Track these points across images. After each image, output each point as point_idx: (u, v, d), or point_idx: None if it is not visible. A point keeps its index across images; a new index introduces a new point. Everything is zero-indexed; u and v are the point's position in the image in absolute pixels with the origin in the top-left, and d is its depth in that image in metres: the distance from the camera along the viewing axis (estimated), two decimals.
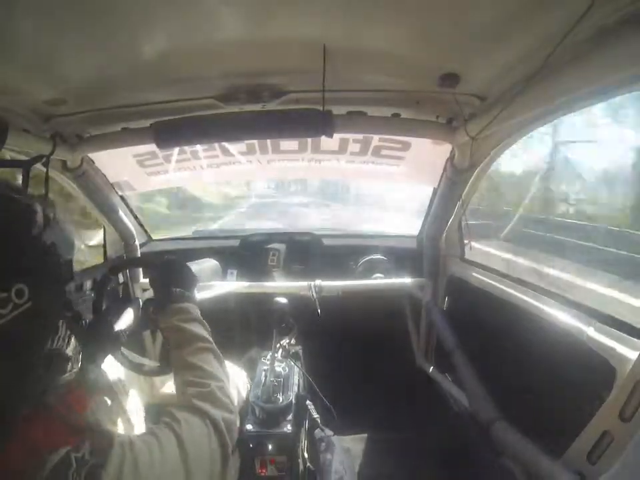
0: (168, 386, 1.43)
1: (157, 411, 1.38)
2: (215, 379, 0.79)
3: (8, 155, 1.28)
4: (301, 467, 1.36)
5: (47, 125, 1.25)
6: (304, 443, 1.42)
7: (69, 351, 0.68)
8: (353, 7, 0.80)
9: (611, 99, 0.93)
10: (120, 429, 1.10)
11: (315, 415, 1.55)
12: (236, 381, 1.43)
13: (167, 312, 0.93)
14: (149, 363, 1.19)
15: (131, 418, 1.18)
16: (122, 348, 1.12)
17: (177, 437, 0.66)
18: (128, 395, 1.22)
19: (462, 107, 1.24)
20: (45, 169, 1.27)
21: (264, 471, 1.28)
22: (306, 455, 1.40)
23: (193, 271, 1.19)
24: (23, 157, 1.24)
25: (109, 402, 1.15)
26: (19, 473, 0.51)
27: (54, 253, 0.62)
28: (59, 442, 0.55)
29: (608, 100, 0.95)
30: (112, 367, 1.23)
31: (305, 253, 2.21)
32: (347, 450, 1.68)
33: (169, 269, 1.04)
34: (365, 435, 1.85)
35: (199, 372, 0.80)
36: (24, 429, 0.55)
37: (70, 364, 0.69)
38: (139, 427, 1.20)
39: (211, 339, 0.90)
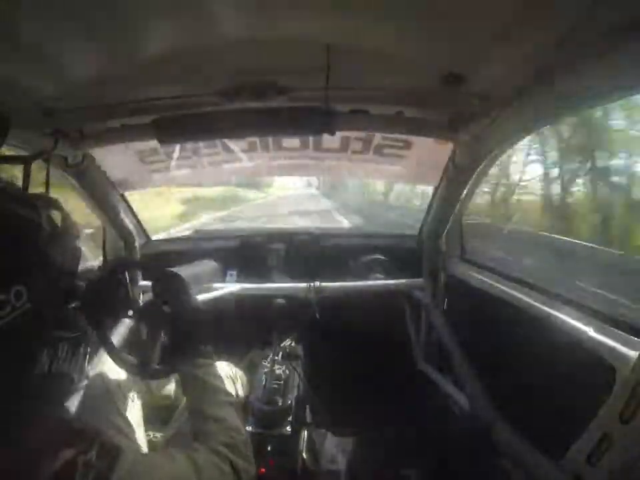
0: (166, 388, 1.43)
1: (156, 413, 1.38)
2: (238, 432, 0.82)
3: (8, 151, 1.27)
4: (301, 467, 1.36)
5: (49, 121, 1.25)
6: (304, 444, 1.42)
7: (68, 351, 0.68)
8: (358, 5, 0.80)
9: (614, 101, 0.93)
10: (120, 431, 1.10)
11: (309, 420, 1.56)
12: (236, 382, 1.43)
13: (192, 365, 0.96)
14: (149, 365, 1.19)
15: (131, 420, 1.18)
16: (122, 352, 1.13)
17: (195, 465, 0.67)
18: (127, 398, 1.22)
19: (465, 106, 1.24)
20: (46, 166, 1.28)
21: (264, 471, 1.28)
22: (305, 456, 1.40)
23: (193, 273, 1.19)
24: (24, 153, 1.24)
25: (108, 404, 1.15)
26: (26, 476, 0.51)
27: (54, 255, 0.62)
28: (65, 445, 0.55)
29: (611, 102, 0.95)
30: (111, 371, 1.23)
31: (305, 252, 2.21)
32: (346, 450, 1.68)
33: (200, 319, 1.05)
34: (365, 436, 1.85)
35: (222, 424, 0.82)
36: (29, 432, 0.55)
37: (68, 364, 0.69)
38: (139, 429, 1.20)
39: (228, 392, 0.93)
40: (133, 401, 1.24)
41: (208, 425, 0.82)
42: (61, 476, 0.51)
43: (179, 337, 1.03)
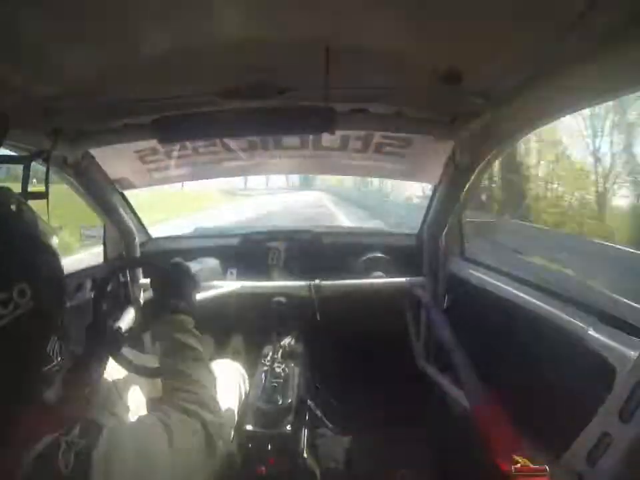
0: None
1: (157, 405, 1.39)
2: (203, 387, 0.82)
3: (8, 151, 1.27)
4: (301, 466, 1.36)
5: (48, 120, 1.24)
6: (304, 443, 1.42)
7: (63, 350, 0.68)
8: (357, 4, 0.80)
9: (613, 99, 0.93)
10: (119, 421, 1.11)
11: (318, 414, 1.55)
12: (236, 381, 1.44)
13: (162, 321, 0.96)
14: (150, 364, 1.20)
15: (131, 411, 1.19)
16: (123, 349, 1.13)
17: (166, 427, 0.67)
18: (128, 390, 1.22)
19: (464, 104, 1.24)
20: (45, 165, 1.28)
21: (264, 471, 1.28)
22: (306, 455, 1.40)
23: (193, 270, 1.20)
24: (23, 153, 1.24)
25: (109, 397, 1.16)
26: (11, 461, 0.52)
27: (54, 253, 0.63)
28: (50, 429, 0.56)
29: (611, 100, 0.95)
30: (112, 366, 1.23)
31: (305, 251, 2.21)
32: (346, 449, 1.68)
33: (171, 277, 1.07)
34: (364, 435, 1.86)
35: (188, 379, 0.83)
36: (20, 423, 0.56)
37: (63, 362, 0.70)
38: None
39: (202, 350, 0.92)
40: (133, 392, 1.25)
41: (175, 383, 0.83)
42: (44, 457, 0.52)
43: (153, 297, 1.06)
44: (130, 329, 1.18)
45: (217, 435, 0.76)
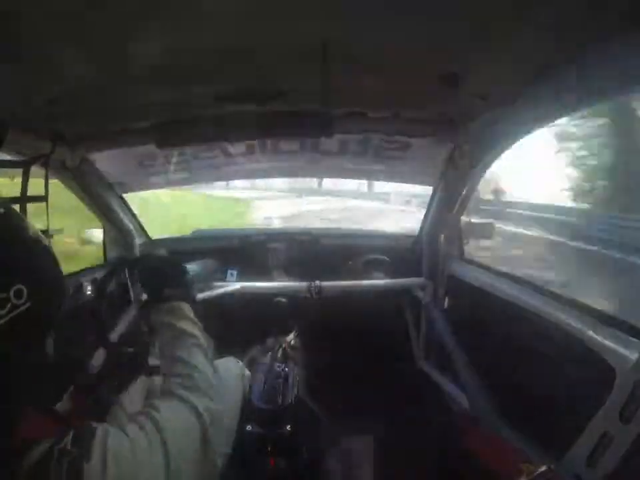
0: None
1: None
2: (199, 371, 0.80)
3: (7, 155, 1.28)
4: (301, 466, 1.36)
5: (47, 125, 1.25)
6: (304, 443, 1.42)
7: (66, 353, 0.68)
8: (354, 7, 0.80)
9: (613, 99, 0.94)
10: (118, 421, 1.11)
11: (319, 414, 1.55)
12: (237, 380, 1.43)
13: (159, 311, 0.94)
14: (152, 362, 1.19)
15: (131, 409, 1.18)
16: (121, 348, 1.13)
17: (156, 424, 0.65)
18: (131, 391, 1.22)
19: (463, 106, 1.24)
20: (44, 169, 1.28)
21: (264, 470, 1.28)
22: (305, 455, 1.40)
23: (193, 272, 1.19)
24: (23, 157, 1.24)
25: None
26: (6, 466, 0.51)
27: (51, 254, 0.63)
28: (44, 434, 0.55)
29: (609, 101, 0.95)
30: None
31: (305, 252, 2.21)
32: (346, 449, 1.68)
33: (159, 270, 1.04)
34: (364, 435, 1.86)
35: (184, 364, 0.81)
36: (17, 426, 0.55)
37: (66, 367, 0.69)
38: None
39: (201, 336, 0.90)
40: (137, 394, 1.24)
41: (170, 368, 0.81)
42: (37, 468, 0.51)
43: (146, 287, 1.04)
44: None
45: (212, 417, 0.74)
